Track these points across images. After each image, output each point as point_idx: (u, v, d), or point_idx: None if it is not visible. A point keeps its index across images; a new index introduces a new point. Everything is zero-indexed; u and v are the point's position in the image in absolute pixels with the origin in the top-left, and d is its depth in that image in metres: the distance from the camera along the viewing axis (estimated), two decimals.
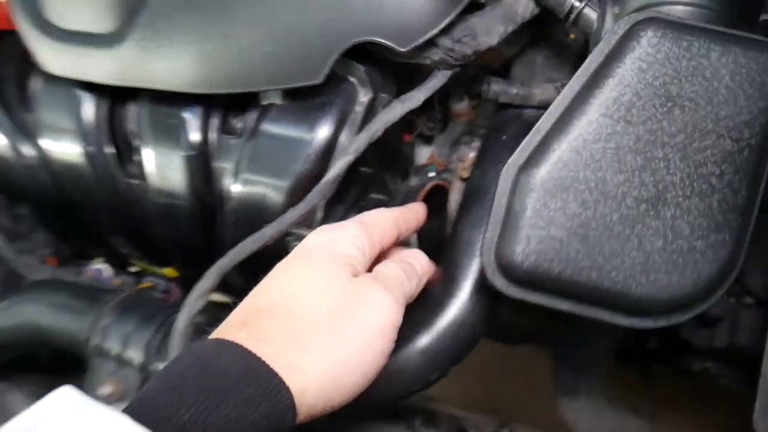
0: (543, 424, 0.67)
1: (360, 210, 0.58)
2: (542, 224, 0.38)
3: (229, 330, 0.37)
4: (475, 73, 0.58)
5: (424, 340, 0.47)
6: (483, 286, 0.46)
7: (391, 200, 0.64)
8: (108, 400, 0.49)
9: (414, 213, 0.50)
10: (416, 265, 0.45)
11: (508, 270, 0.39)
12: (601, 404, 0.67)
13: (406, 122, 0.65)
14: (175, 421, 0.31)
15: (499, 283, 0.39)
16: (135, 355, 0.53)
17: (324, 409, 0.37)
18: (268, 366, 0.34)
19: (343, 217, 0.54)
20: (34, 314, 0.56)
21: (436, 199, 0.64)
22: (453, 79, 0.56)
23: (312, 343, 0.36)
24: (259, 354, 0.35)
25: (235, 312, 0.39)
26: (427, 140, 0.68)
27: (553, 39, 0.54)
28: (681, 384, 0.73)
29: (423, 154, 0.69)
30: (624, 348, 0.68)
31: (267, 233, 0.48)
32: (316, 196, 0.47)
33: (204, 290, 0.49)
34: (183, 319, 0.48)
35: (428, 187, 0.64)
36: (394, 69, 0.52)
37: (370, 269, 0.43)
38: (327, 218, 0.53)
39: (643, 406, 0.72)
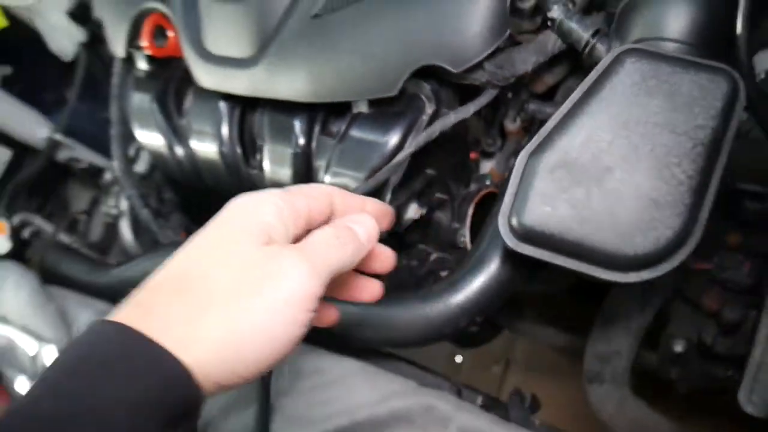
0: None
1: (426, 205, 0.73)
2: (544, 196, 0.51)
3: (122, 309, 0.38)
4: (525, 98, 0.73)
5: (459, 296, 0.60)
6: (506, 260, 0.59)
7: (452, 201, 0.79)
8: None
9: (361, 201, 0.49)
10: (358, 231, 0.45)
11: (517, 231, 0.52)
12: (625, 393, 0.76)
13: (474, 141, 0.80)
14: (51, 412, 0.32)
15: (511, 242, 0.53)
16: None
17: (232, 379, 0.38)
18: (149, 340, 0.35)
19: (404, 204, 0.69)
20: None
21: (490, 204, 0.78)
22: (506, 102, 0.71)
23: (208, 316, 0.37)
24: (147, 330, 0.35)
25: (137, 289, 0.39)
26: (489, 156, 0.82)
27: (586, 68, 0.67)
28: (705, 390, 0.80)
29: (485, 167, 0.83)
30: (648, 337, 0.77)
31: None
32: (382, 174, 0.63)
33: None
34: None
35: (482, 193, 0.78)
36: (456, 88, 0.67)
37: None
38: (392, 202, 0.67)
39: (667, 407, 0.80)
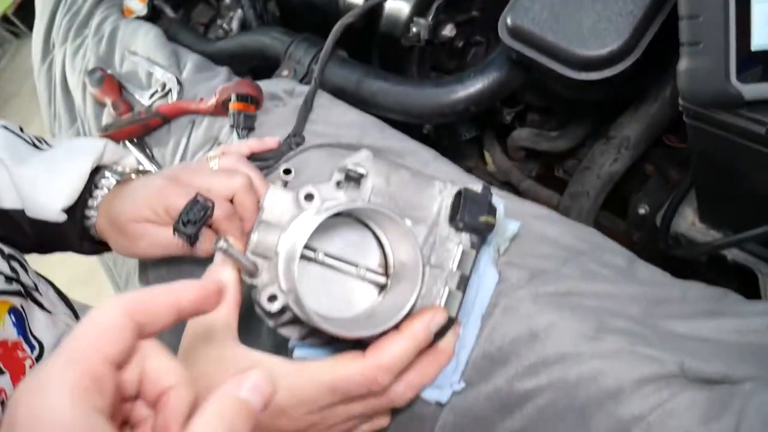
0: None
1: (463, 36, 0.91)
2: (530, 2, 0.68)
3: None
4: None
5: (464, 87, 0.80)
6: (501, 66, 0.78)
7: (487, 46, 0.96)
8: (287, 78, 0.88)
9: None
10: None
11: (509, 29, 0.70)
12: None
13: None
14: None
15: (505, 38, 0.71)
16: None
17: None
18: None
19: (443, 21, 0.87)
20: (260, 38, 0.97)
21: None
22: None
23: None
24: None
25: None
26: None
27: None
28: None
29: None
30: None
31: None
32: None
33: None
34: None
35: None
36: None
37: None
38: (435, 17, 0.86)
39: None
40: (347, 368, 0.45)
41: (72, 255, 0.77)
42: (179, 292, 0.37)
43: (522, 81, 0.79)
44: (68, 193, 0.69)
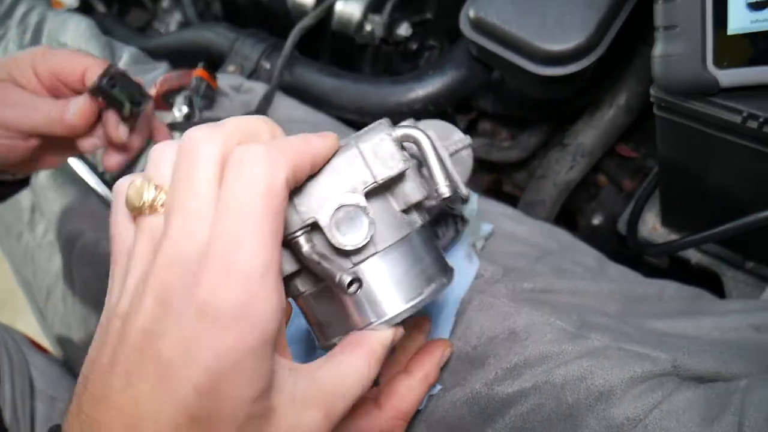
0: None
1: (418, 37, 0.88)
2: None
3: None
4: None
5: (422, 86, 0.76)
6: (461, 64, 0.75)
7: (440, 50, 0.94)
8: (233, 74, 0.82)
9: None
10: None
11: (471, 21, 0.67)
12: None
13: None
14: None
15: (467, 31, 0.68)
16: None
17: None
18: None
19: (398, 20, 0.84)
20: (204, 34, 0.91)
21: None
22: None
23: None
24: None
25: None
26: None
27: None
28: None
29: None
30: None
31: None
32: None
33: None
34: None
35: None
36: None
37: None
38: (390, 15, 0.83)
39: None
40: (366, 423, 0.40)
41: None
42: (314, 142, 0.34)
43: (481, 80, 0.76)
44: None
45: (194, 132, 0.31)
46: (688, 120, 0.54)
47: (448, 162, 0.40)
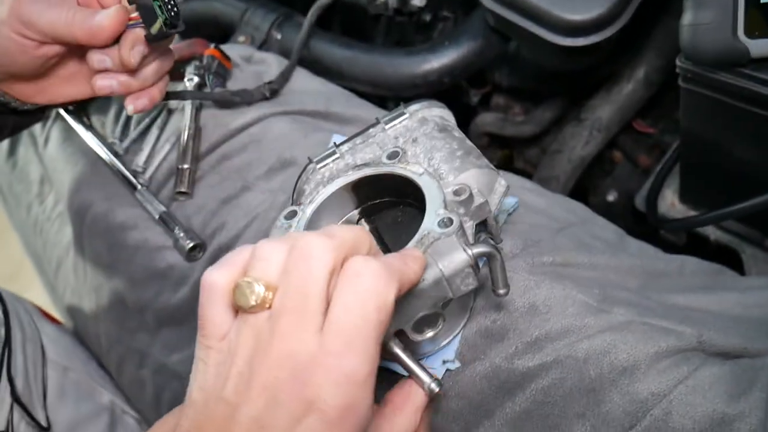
0: None
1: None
2: None
3: None
4: None
5: (437, 57, 0.75)
6: (477, 34, 0.73)
7: (455, 21, 0.92)
8: (243, 44, 0.80)
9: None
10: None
11: None
12: None
13: None
14: None
15: (486, 1, 0.66)
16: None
17: None
18: None
19: None
20: (214, 4, 0.89)
21: None
22: None
23: None
24: None
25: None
26: None
27: None
28: None
29: None
30: None
31: None
32: None
33: None
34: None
35: None
36: None
37: None
38: None
39: None
40: None
41: None
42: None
43: (498, 51, 0.75)
44: None
45: (310, 238, 0.34)
46: (715, 92, 0.53)
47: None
